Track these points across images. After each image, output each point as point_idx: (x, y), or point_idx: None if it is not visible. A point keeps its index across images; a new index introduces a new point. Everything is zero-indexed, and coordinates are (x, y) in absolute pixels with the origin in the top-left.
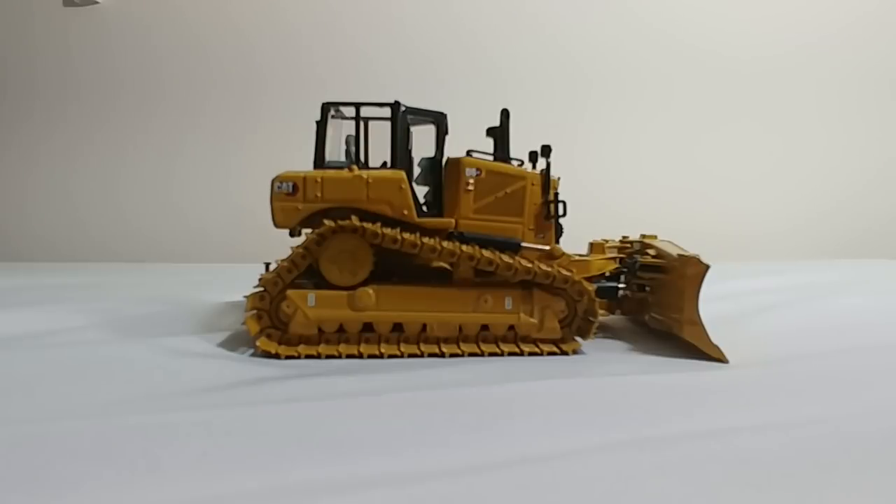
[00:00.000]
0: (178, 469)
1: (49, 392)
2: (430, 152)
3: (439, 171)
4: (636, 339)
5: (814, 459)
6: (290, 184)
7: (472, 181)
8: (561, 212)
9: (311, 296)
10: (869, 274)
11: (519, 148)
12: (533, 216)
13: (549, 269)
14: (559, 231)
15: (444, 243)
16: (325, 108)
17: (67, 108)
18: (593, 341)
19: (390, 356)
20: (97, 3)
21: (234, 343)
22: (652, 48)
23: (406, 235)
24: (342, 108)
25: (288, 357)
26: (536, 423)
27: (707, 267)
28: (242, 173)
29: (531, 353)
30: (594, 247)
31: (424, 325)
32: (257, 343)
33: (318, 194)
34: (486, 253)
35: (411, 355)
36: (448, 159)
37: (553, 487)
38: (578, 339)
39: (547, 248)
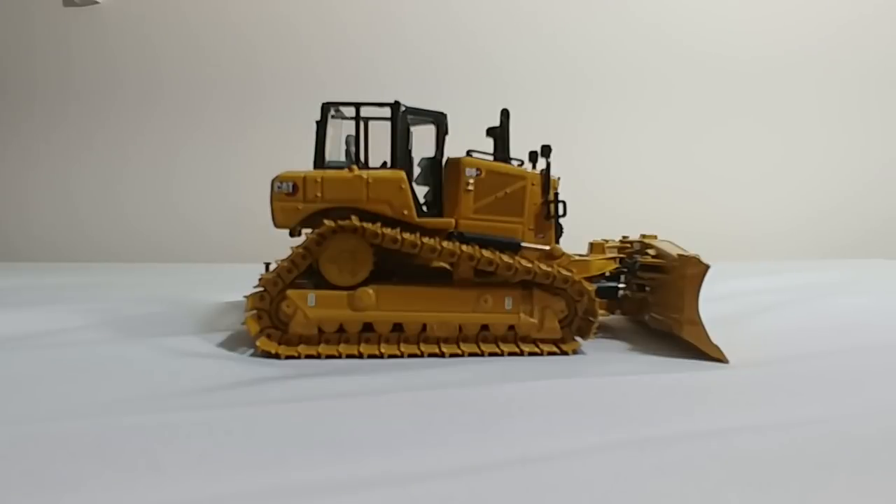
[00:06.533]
0: (178, 469)
1: (49, 392)
2: (430, 152)
3: (439, 171)
4: (636, 339)
5: (814, 459)
6: (290, 184)
7: (472, 181)
8: (561, 212)
9: (311, 296)
10: (869, 274)
11: (519, 148)
12: (533, 216)
13: (549, 269)
14: (559, 231)
15: (444, 243)
16: (325, 108)
17: (67, 108)
18: (593, 341)
19: (390, 356)
20: (97, 3)
21: (234, 343)
22: (652, 48)
23: (406, 235)
24: (342, 108)
25: (288, 357)
26: (536, 423)
27: (707, 267)
28: (242, 173)
29: (531, 353)
30: (594, 247)
31: (424, 325)
32: (257, 343)
33: (318, 194)
34: (486, 253)
35: (411, 355)
36: (448, 159)
37: (553, 487)
38: (578, 339)
39: (547, 248)
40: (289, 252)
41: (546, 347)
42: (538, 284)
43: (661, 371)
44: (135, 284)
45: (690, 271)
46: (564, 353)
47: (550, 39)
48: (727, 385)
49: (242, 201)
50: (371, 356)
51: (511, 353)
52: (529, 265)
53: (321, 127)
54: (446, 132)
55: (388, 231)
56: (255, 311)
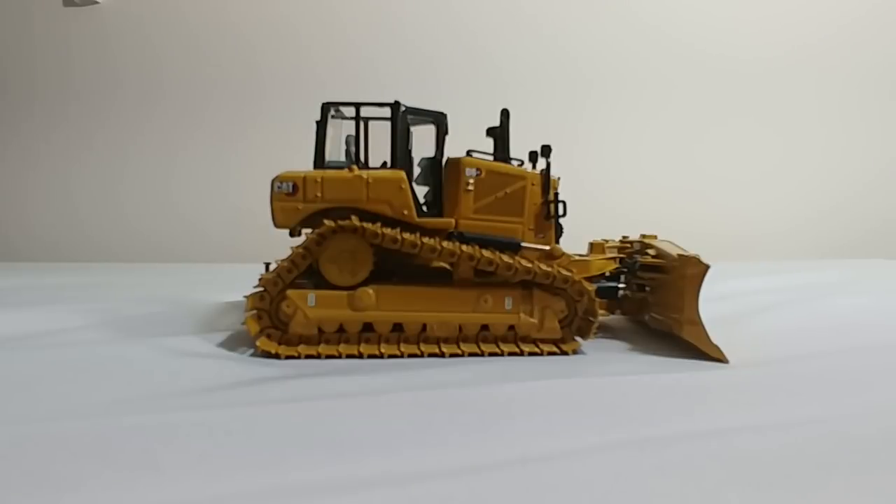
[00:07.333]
0: (178, 469)
1: (49, 392)
2: (430, 152)
3: (439, 171)
4: (636, 339)
5: (814, 459)
6: (290, 184)
7: (472, 181)
8: (561, 212)
9: (311, 296)
10: (869, 274)
11: (519, 148)
12: (533, 216)
13: (549, 269)
14: (559, 231)
15: (444, 243)
16: (325, 108)
17: (67, 108)
18: (593, 341)
19: (390, 356)
20: (97, 3)
21: (234, 343)
22: (652, 48)
23: (406, 235)
24: (342, 108)
25: (288, 357)
26: (536, 423)
27: (707, 267)
28: (242, 173)
29: (531, 353)
30: (594, 247)
31: (424, 325)
32: (257, 343)
33: (318, 194)
34: (486, 253)
35: (411, 355)
36: (448, 159)
37: (553, 487)
38: (578, 339)
39: (547, 248)
40: (289, 252)
41: (546, 347)
42: (538, 284)
43: (661, 371)
44: (135, 284)
45: (690, 271)
46: (564, 353)
47: (551, 40)
48: (727, 385)
49: (242, 201)
50: (371, 356)
51: (511, 353)
52: (529, 265)
53: (321, 127)
54: (446, 132)
55: (388, 231)
56: (255, 311)
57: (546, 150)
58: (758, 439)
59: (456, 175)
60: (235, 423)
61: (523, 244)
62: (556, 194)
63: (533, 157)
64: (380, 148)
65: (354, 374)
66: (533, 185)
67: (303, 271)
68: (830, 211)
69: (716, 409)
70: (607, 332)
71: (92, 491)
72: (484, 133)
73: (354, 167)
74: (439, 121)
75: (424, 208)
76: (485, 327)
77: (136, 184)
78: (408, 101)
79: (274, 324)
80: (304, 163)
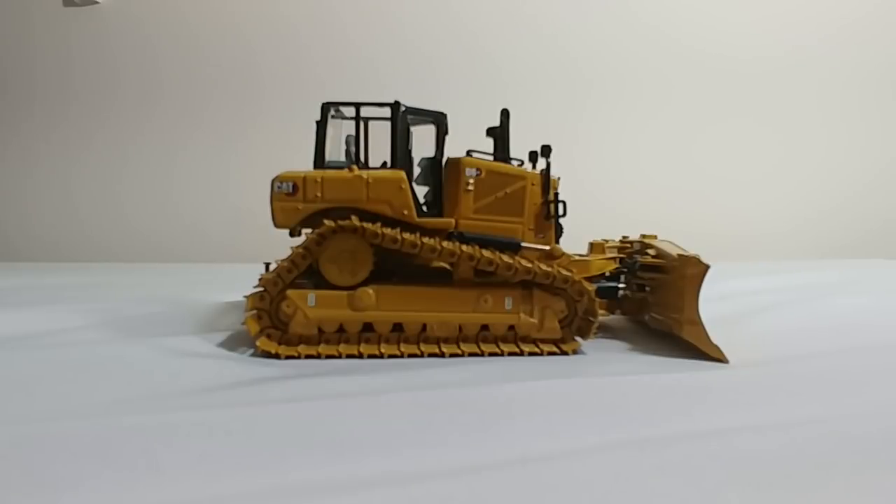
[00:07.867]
0: (178, 469)
1: (49, 392)
2: (430, 152)
3: (439, 171)
4: (636, 339)
5: (814, 459)
6: (290, 184)
7: (472, 181)
8: (561, 212)
9: (311, 296)
10: (869, 274)
11: (519, 148)
12: (533, 216)
13: (549, 269)
14: (559, 231)
15: (444, 243)
16: (325, 108)
17: (67, 108)
18: (593, 341)
19: (390, 356)
20: (97, 3)
21: (234, 343)
22: (651, 48)
23: (406, 235)
24: (342, 108)
25: (288, 357)
26: (536, 423)
27: (707, 267)
28: (242, 173)
29: (531, 353)
30: (594, 247)
31: (424, 325)
32: (257, 343)
33: (318, 194)
34: (486, 253)
35: (411, 355)
36: (448, 159)
37: (553, 487)
38: (578, 339)
39: (547, 248)
40: (289, 252)
41: (546, 347)
42: (538, 284)
43: (661, 371)
44: (135, 284)
45: (690, 271)
46: (564, 353)
47: (550, 39)
48: (727, 385)
49: (242, 201)
50: (371, 356)
51: (511, 353)
52: (529, 265)
53: (321, 127)
54: (446, 132)
55: (388, 231)
56: (255, 311)
57: (546, 150)
58: (758, 439)
59: (456, 175)
60: (235, 423)
61: (523, 244)
62: (556, 194)
63: (533, 157)
64: (380, 148)
65: (354, 374)
66: (533, 185)
67: (303, 271)
68: (830, 211)
69: (716, 409)
70: (607, 332)
71: (92, 491)
72: (484, 133)
73: (354, 167)
74: (439, 121)
75: (424, 208)
76: (485, 327)
77: (136, 184)
78: (408, 101)
79: (274, 324)
80: (304, 163)
